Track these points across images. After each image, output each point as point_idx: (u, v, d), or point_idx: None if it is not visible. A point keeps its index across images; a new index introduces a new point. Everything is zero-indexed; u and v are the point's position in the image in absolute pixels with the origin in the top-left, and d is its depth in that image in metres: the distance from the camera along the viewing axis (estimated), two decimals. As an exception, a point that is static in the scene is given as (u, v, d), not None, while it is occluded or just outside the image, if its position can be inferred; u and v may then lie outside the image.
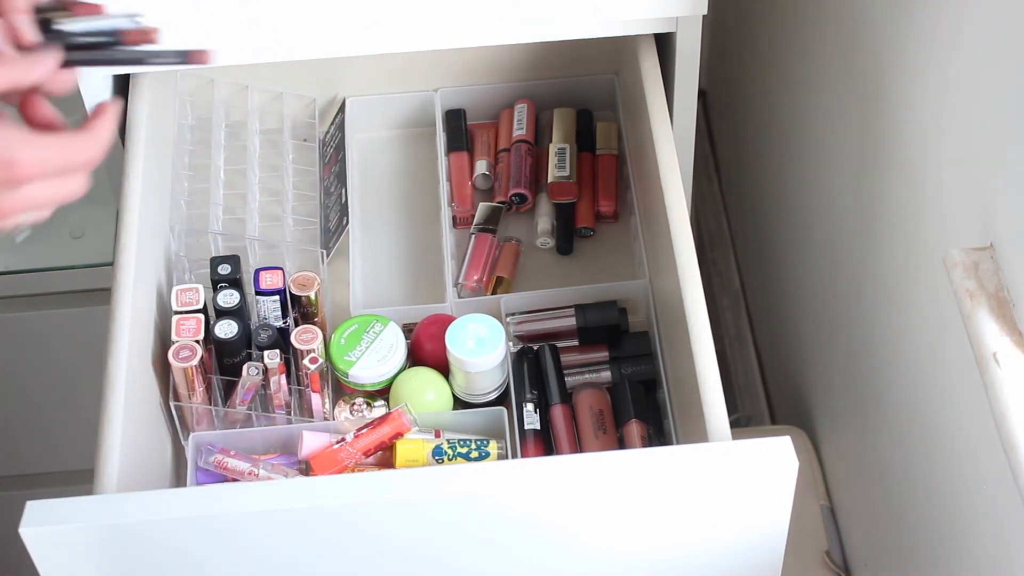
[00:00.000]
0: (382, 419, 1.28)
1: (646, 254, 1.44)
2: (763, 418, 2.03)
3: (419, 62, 1.57)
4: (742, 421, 2.08)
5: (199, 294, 1.34)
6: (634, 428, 1.31)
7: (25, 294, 1.81)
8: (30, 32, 0.99)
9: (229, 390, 1.34)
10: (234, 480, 1.27)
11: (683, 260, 1.27)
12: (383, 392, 1.35)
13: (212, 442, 1.29)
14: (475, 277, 1.45)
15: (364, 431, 1.27)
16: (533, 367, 1.35)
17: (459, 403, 1.36)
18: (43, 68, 0.99)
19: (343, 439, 1.27)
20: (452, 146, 1.56)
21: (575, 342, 1.41)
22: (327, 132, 1.59)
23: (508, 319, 1.41)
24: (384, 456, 1.29)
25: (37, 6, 1.01)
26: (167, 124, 1.48)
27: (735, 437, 1.15)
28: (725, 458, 1.11)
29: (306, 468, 1.28)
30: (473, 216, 1.51)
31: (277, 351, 1.32)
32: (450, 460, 1.27)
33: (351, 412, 1.33)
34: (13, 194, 0.96)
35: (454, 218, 1.52)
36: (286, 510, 1.10)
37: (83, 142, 0.99)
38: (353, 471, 1.26)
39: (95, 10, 1.03)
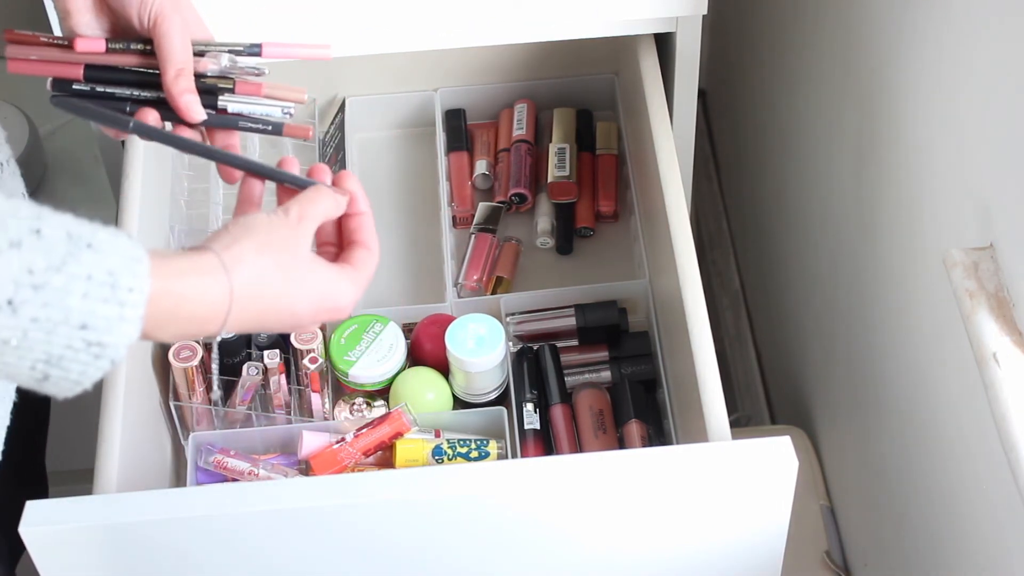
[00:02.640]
0: (382, 419, 1.28)
1: (646, 254, 1.44)
2: (763, 418, 2.03)
3: (419, 62, 1.57)
4: (742, 421, 2.07)
5: (199, 294, 1.34)
6: (634, 428, 1.31)
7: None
8: (198, 112, 1.04)
9: (229, 390, 1.34)
10: (234, 480, 1.27)
11: (683, 260, 1.27)
12: (383, 392, 1.35)
13: (212, 442, 1.29)
14: (475, 277, 1.45)
15: (364, 431, 1.27)
16: (533, 367, 1.35)
17: (459, 403, 1.36)
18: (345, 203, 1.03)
19: (343, 439, 1.27)
20: (452, 146, 1.56)
21: (575, 342, 1.41)
22: (327, 132, 1.59)
23: (508, 319, 1.41)
24: (384, 456, 1.29)
25: (201, 74, 1.05)
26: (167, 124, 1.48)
27: (735, 437, 1.15)
28: (725, 458, 1.11)
29: (306, 468, 1.28)
30: (473, 216, 1.51)
31: (277, 351, 1.32)
32: (450, 460, 1.27)
33: (351, 412, 1.34)
34: None
35: (454, 218, 1.52)
36: (286, 510, 1.10)
37: (372, 259, 1.03)
38: (353, 471, 1.26)
39: (255, 90, 1.07)
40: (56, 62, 1.06)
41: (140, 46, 1.06)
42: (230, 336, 1.33)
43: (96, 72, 1.06)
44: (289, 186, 1.02)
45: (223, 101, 1.07)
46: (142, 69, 1.06)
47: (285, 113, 1.09)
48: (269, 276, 0.93)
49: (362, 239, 1.02)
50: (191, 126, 1.05)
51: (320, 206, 0.99)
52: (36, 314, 0.82)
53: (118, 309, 0.84)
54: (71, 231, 0.83)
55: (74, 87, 1.06)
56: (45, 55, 1.06)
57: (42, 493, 1.50)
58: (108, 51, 1.06)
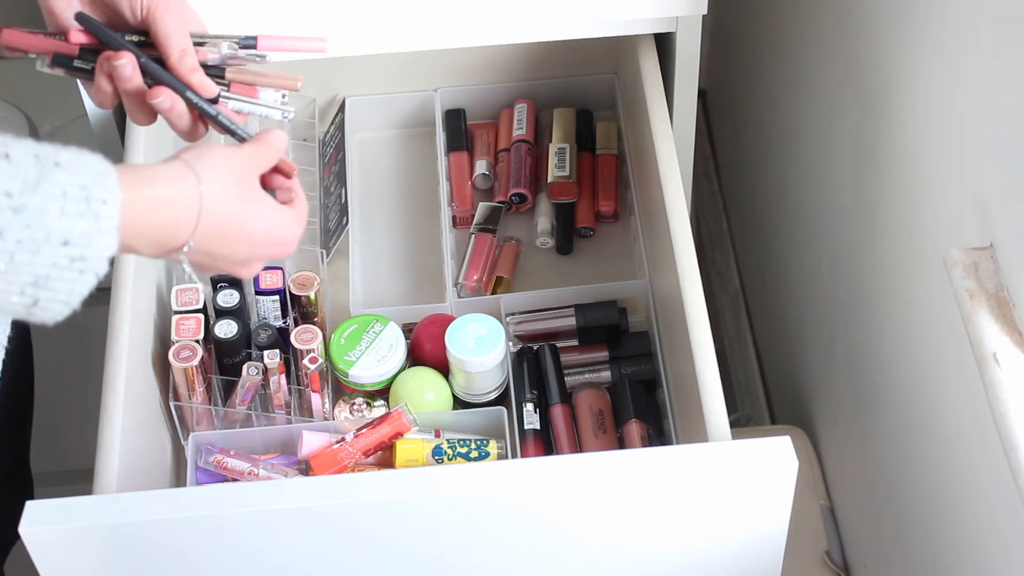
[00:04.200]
0: (382, 419, 1.28)
1: (646, 254, 1.44)
2: (763, 418, 2.03)
3: (419, 62, 1.57)
4: (742, 421, 2.07)
5: (199, 294, 1.34)
6: (634, 428, 1.31)
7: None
8: (211, 86, 1.07)
9: (229, 390, 1.34)
10: (234, 480, 1.27)
11: (683, 260, 1.27)
12: (383, 392, 1.35)
13: (212, 442, 1.29)
14: (475, 277, 1.45)
15: (364, 431, 1.27)
16: (533, 367, 1.35)
17: (459, 403, 1.36)
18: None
19: (343, 439, 1.27)
20: (452, 146, 1.56)
21: (575, 342, 1.41)
22: (327, 132, 1.59)
23: (508, 319, 1.41)
24: (384, 456, 1.29)
25: (203, 64, 1.08)
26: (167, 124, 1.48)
27: (735, 437, 1.15)
28: (725, 458, 1.11)
29: (306, 468, 1.28)
30: (473, 216, 1.51)
31: (277, 351, 1.32)
32: (450, 460, 1.27)
33: (351, 412, 1.34)
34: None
35: (454, 218, 1.52)
36: (286, 510, 1.10)
37: (303, 203, 1.06)
38: (353, 471, 1.26)
39: (251, 92, 1.10)
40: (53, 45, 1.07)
41: (136, 37, 1.06)
42: (229, 336, 1.33)
43: (91, 53, 1.07)
44: (224, 130, 1.07)
45: (223, 97, 1.08)
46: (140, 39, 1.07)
47: (284, 117, 1.11)
48: (232, 191, 0.97)
49: (290, 186, 1.05)
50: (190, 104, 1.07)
51: (267, 155, 1.03)
52: (20, 236, 0.84)
53: (94, 222, 0.87)
54: (38, 153, 0.86)
55: (74, 63, 1.07)
56: (43, 46, 1.06)
57: (27, 493, 1.50)
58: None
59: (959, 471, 1.25)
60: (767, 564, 1.19)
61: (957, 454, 1.25)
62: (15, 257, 0.84)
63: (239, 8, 1.35)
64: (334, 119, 1.59)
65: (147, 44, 1.07)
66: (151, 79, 1.05)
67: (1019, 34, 1.01)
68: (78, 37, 1.06)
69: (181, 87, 1.05)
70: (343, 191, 1.50)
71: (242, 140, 1.05)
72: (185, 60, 1.05)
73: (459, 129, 1.58)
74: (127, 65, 1.04)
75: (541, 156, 1.56)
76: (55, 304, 0.87)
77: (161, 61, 1.06)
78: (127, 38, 1.07)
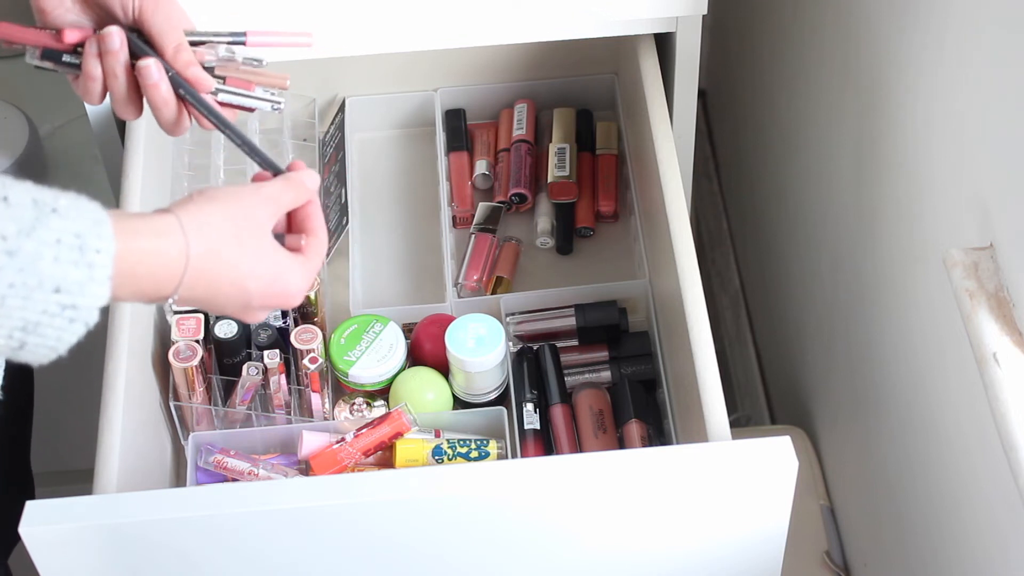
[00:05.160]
0: (382, 419, 1.28)
1: (646, 254, 1.44)
2: (763, 418, 2.03)
3: (419, 62, 1.57)
4: (742, 421, 2.07)
5: (199, 294, 1.34)
6: (634, 428, 1.31)
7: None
8: (208, 80, 1.06)
9: (229, 390, 1.34)
10: (234, 480, 1.27)
11: (683, 260, 1.27)
12: (383, 392, 1.35)
13: (212, 442, 1.29)
14: (475, 277, 1.45)
15: (364, 431, 1.27)
16: (533, 367, 1.35)
17: (459, 403, 1.36)
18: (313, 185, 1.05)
19: (343, 439, 1.27)
20: (452, 146, 1.56)
21: (575, 342, 1.41)
22: (327, 132, 1.59)
23: (508, 319, 1.41)
24: (384, 456, 1.29)
25: (200, 63, 1.07)
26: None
27: (735, 437, 1.15)
28: (725, 458, 1.11)
29: (306, 468, 1.28)
30: (473, 216, 1.51)
31: (277, 351, 1.32)
32: (450, 460, 1.27)
33: (351, 412, 1.34)
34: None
35: (454, 218, 1.52)
36: (286, 510, 1.10)
37: (322, 248, 1.04)
38: (353, 471, 1.26)
39: (245, 85, 1.09)
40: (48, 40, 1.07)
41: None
42: (229, 336, 1.33)
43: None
44: (260, 166, 1.05)
45: (216, 88, 1.09)
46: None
47: (275, 109, 1.11)
48: (227, 245, 0.95)
49: (312, 227, 1.04)
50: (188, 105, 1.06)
51: (291, 194, 1.02)
52: (12, 279, 0.83)
53: (87, 271, 0.86)
54: (36, 197, 0.85)
55: (64, 58, 1.07)
56: (35, 39, 1.07)
57: (28, 493, 1.51)
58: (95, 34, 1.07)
59: (959, 471, 1.25)
60: (767, 564, 1.19)
61: (957, 454, 1.25)
62: (6, 300, 0.84)
63: (239, 8, 1.35)
64: (334, 119, 1.59)
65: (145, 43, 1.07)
66: (181, 90, 1.05)
67: (1019, 34, 1.01)
68: (72, 36, 1.06)
69: (213, 112, 1.05)
70: (343, 191, 1.50)
71: (276, 173, 1.03)
72: (180, 55, 1.05)
73: (459, 129, 1.58)
74: (151, 68, 1.04)
75: (541, 156, 1.56)
76: (42, 349, 0.87)
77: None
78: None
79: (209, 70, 1.09)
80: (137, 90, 1.06)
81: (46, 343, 0.86)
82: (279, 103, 1.11)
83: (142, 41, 1.06)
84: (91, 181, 1.84)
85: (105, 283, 0.87)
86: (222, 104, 1.09)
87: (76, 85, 1.08)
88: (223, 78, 1.10)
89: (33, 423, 1.52)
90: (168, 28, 1.05)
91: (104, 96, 1.07)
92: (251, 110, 1.11)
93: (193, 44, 1.08)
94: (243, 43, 1.10)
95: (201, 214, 0.95)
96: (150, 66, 1.04)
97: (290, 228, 1.04)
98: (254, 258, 0.97)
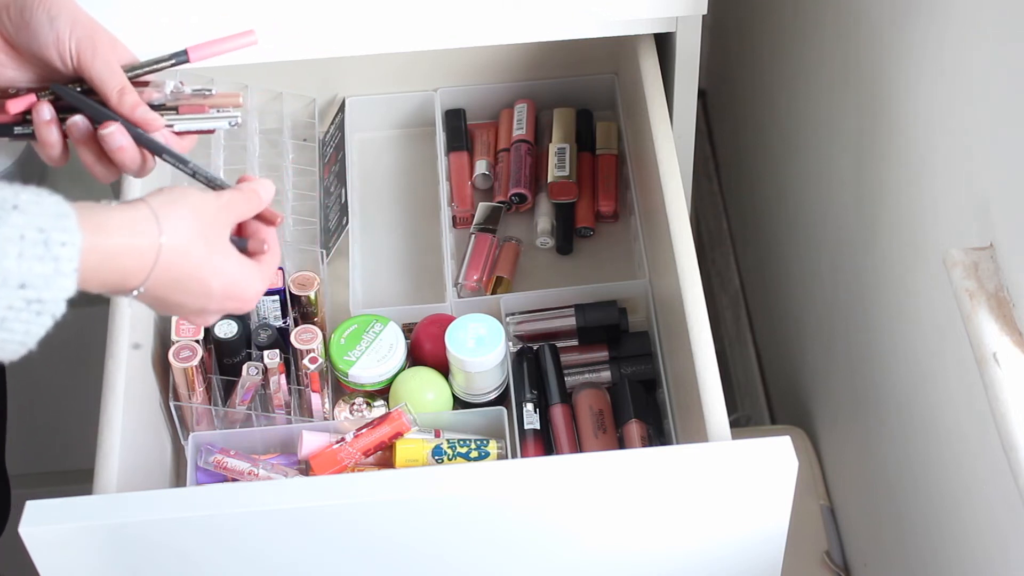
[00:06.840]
0: (382, 419, 1.28)
1: (646, 254, 1.44)
2: (763, 418, 2.03)
3: (419, 62, 1.57)
4: (742, 421, 2.07)
5: (199, 294, 1.34)
6: (634, 428, 1.31)
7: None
8: (157, 120, 1.06)
9: (229, 390, 1.34)
10: (234, 480, 1.27)
11: (683, 260, 1.27)
12: (383, 392, 1.35)
13: (212, 442, 1.29)
14: (475, 277, 1.45)
15: (364, 431, 1.27)
16: (533, 367, 1.35)
17: (459, 403, 1.36)
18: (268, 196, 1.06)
19: (343, 439, 1.27)
20: (452, 146, 1.56)
21: (575, 342, 1.41)
22: (327, 132, 1.59)
23: (508, 319, 1.41)
24: (384, 456, 1.29)
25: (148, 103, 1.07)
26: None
27: (735, 437, 1.15)
28: (725, 458, 1.11)
29: (306, 468, 1.28)
30: (473, 216, 1.51)
31: (277, 351, 1.32)
32: (450, 460, 1.27)
33: (351, 412, 1.34)
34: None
35: (454, 218, 1.52)
36: (286, 510, 1.10)
37: (275, 259, 1.05)
38: (353, 471, 1.26)
39: (199, 109, 1.09)
40: None
41: (72, 87, 1.06)
42: (229, 336, 1.33)
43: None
44: (207, 186, 1.05)
45: (169, 121, 1.08)
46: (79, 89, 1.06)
47: (232, 125, 1.11)
48: (195, 243, 0.96)
49: (266, 236, 1.05)
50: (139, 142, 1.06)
51: (244, 205, 1.03)
52: None
53: (53, 264, 0.86)
54: None
55: (15, 131, 1.07)
56: None
57: (3, 493, 1.50)
58: (40, 101, 1.06)
59: (959, 471, 1.25)
60: (767, 564, 1.19)
61: (957, 454, 1.25)
62: None
63: (239, 8, 1.35)
64: (334, 119, 1.59)
65: (85, 91, 1.06)
66: (142, 143, 1.05)
67: (1020, 34, 1.01)
68: (16, 107, 1.05)
69: (159, 148, 1.05)
70: (343, 191, 1.50)
71: (220, 188, 1.04)
72: (125, 98, 1.05)
73: (459, 129, 1.58)
74: (115, 134, 1.04)
75: (541, 156, 1.56)
76: (11, 345, 0.87)
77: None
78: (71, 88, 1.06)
79: (160, 106, 1.09)
80: (102, 150, 1.06)
81: (14, 337, 0.87)
82: (235, 118, 1.10)
83: (83, 90, 1.05)
84: (91, 181, 1.83)
85: (71, 275, 0.88)
86: (180, 133, 1.08)
87: (36, 148, 1.08)
88: (175, 108, 1.09)
89: (33, 423, 1.52)
90: (108, 74, 1.05)
91: (67, 155, 1.07)
92: (211, 131, 1.10)
93: (139, 76, 1.07)
94: (186, 60, 1.09)
95: (175, 208, 0.96)
96: (114, 133, 1.04)
97: (243, 233, 1.05)
98: (220, 257, 0.99)
